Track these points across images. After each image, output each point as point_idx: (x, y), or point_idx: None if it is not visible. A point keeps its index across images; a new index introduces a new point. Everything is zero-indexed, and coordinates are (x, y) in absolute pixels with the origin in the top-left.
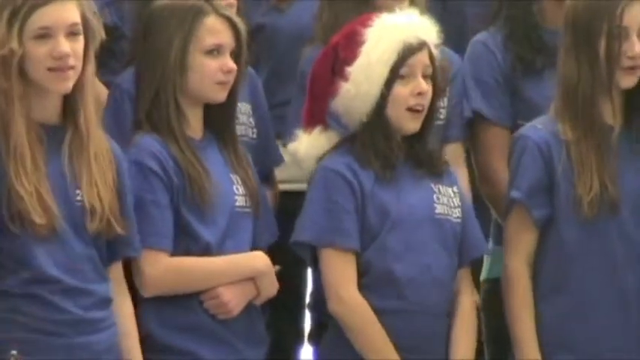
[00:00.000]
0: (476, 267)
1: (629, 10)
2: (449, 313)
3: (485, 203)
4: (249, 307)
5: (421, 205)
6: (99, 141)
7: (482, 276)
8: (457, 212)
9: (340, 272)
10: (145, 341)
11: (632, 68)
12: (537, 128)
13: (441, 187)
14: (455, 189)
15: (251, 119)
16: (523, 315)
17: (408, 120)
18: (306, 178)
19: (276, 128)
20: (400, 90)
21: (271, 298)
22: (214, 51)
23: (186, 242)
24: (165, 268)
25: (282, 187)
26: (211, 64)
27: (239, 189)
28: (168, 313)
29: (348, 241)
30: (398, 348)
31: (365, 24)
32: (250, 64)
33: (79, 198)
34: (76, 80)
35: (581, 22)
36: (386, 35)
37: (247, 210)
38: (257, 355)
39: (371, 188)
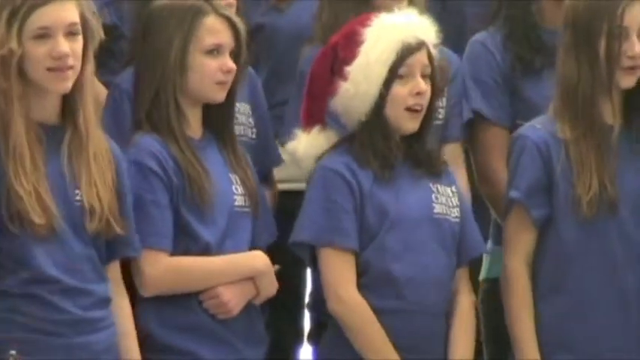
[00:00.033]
0: (474, 267)
1: (630, 10)
2: (447, 313)
3: (485, 203)
4: (248, 307)
5: (420, 204)
6: (98, 141)
7: (482, 276)
8: (455, 212)
9: (339, 272)
10: (145, 341)
11: (632, 68)
12: (536, 128)
13: (439, 187)
14: (453, 189)
15: (250, 119)
16: (522, 315)
17: (407, 120)
18: (304, 178)
19: (275, 128)
20: (399, 90)
21: (271, 297)
22: (214, 51)
23: (185, 242)
24: (165, 268)
25: (280, 186)
26: (211, 64)
27: (238, 189)
28: (168, 313)
29: (347, 241)
30: (397, 348)
31: (364, 24)
32: (250, 64)
33: (78, 198)
34: (75, 80)
35: (582, 21)
36: (385, 35)
37: (246, 210)
38: (256, 354)
39: (370, 188)
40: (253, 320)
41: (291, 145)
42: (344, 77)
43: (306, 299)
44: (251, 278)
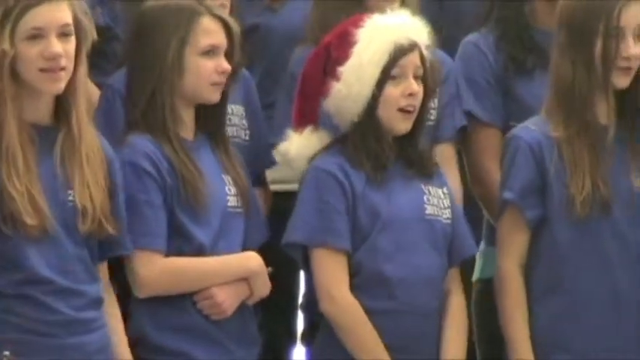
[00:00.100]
0: (465, 267)
1: (627, 10)
2: (439, 314)
3: (478, 204)
4: (241, 308)
5: (411, 205)
6: (91, 142)
7: (475, 276)
8: (447, 213)
9: (332, 272)
10: (138, 342)
11: (627, 69)
12: (530, 129)
13: (431, 188)
14: (445, 190)
15: (244, 121)
16: (516, 315)
17: (399, 121)
18: (297, 179)
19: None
20: (391, 91)
21: (264, 298)
22: (210, 52)
23: (179, 243)
24: (159, 269)
25: (273, 187)
26: (207, 64)
27: (231, 189)
28: (162, 314)
29: (339, 241)
30: (389, 348)
31: (357, 24)
32: (244, 65)
33: (70, 199)
34: (68, 81)
35: (577, 22)
36: (377, 36)
37: (239, 210)
38: (250, 355)
39: (362, 189)
40: (246, 321)
41: (283, 146)
42: (336, 78)
43: (300, 300)
44: (245, 279)
